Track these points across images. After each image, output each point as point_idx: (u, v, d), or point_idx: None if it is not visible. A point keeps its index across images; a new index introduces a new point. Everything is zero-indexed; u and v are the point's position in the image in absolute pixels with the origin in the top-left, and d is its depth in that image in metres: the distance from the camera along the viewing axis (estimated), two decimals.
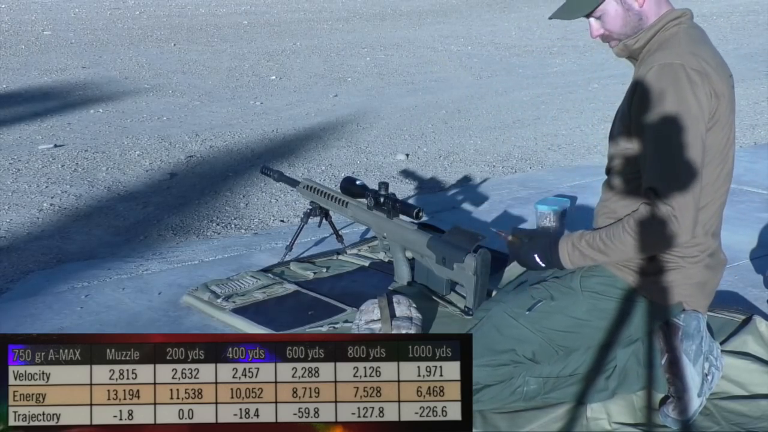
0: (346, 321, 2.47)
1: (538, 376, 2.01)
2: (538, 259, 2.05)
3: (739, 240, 3.14)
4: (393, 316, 2.32)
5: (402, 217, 2.58)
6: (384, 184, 2.62)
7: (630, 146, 1.97)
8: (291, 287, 2.75)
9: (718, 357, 2.04)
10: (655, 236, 1.86)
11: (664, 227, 1.84)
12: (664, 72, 1.85)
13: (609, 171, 2.10)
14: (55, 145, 5.26)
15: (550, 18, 2.08)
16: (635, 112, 1.91)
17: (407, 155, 5.08)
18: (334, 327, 2.45)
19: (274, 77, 7.84)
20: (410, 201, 3.97)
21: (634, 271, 1.99)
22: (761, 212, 3.57)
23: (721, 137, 1.93)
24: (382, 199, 2.59)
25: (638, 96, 1.90)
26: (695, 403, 1.93)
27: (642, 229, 1.88)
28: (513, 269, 2.80)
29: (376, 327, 2.29)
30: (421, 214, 2.49)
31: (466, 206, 3.84)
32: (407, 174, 4.67)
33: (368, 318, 2.33)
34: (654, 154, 1.88)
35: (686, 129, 1.84)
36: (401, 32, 10.87)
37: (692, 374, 1.93)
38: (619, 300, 2.00)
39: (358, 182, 2.71)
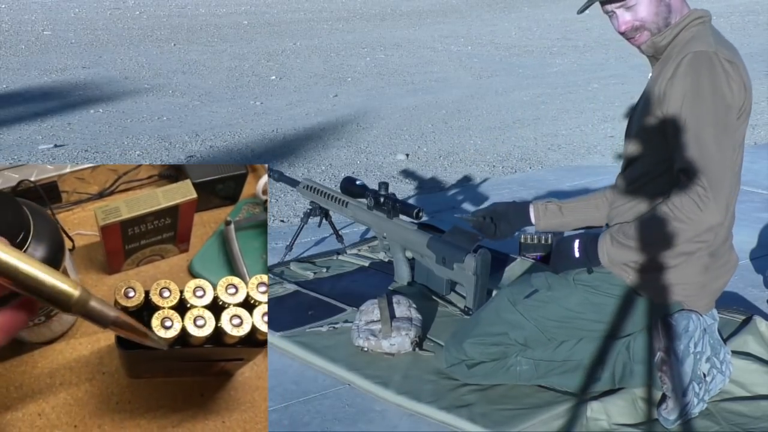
0: (346, 321, 2.46)
1: (530, 358, 2.06)
2: (576, 247, 2.03)
3: (739, 240, 3.11)
4: (393, 316, 2.32)
5: (402, 217, 2.58)
6: (384, 184, 2.62)
7: (652, 143, 1.97)
8: (291, 287, 2.75)
9: (724, 361, 2.04)
10: (687, 216, 1.83)
11: (696, 207, 1.82)
12: (699, 59, 1.87)
13: (624, 170, 2.11)
14: (56, 145, 5.26)
15: (580, 12, 2.05)
16: (667, 100, 1.90)
17: (407, 155, 5.08)
18: (334, 327, 2.45)
19: (274, 77, 7.84)
20: (410, 201, 3.97)
21: (629, 267, 1.99)
22: (761, 212, 3.57)
23: (740, 133, 1.95)
24: (382, 199, 2.59)
25: (671, 84, 1.90)
26: (685, 403, 1.93)
27: (675, 211, 1.85)
28: (513, 269, 2.80)
29: (376, 328, 2.29)
30: (421, 214, 2.49)
31: (466, 206, 3.84)
32: (407, 174, 4.67)
33: (368, 318, 2.33)
34: (687, 138, 1.87)
35: (720, 116, 1.85)
36: (401, 32, 10.87)
37: (680, 374, 1.93)
38: (612, 296, 2.02)
39: (358, 182, 2.71)
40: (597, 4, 2.01)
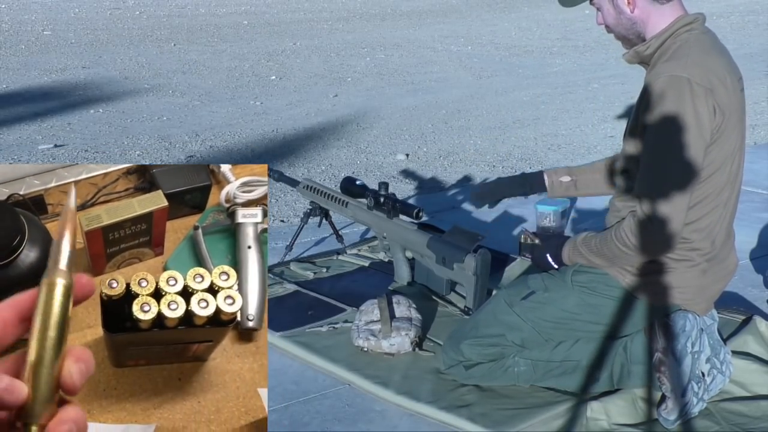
0: (346, 321, 2.47)
1: (528, 359, 2.07)
2: (549, 259, 2.14)
3: (739, 240, 3.10)
4: (393, 316, 2.32)
5: (402, 217, 2.58)
6: (384, 184, 2.62)
7: (635, 148, 1.99)
8: (291, 287, 2.75)
9: (724, 362, 2.04)
10: (634, 245, 1.90)
11: (643, 237, 1.88)
12: (670, 84, 1.85)
13: (622, 170, 2.12)
14: (56, 145, 5.26)
15: (565, 5, 2.12)
16: (641, 119, 1.93)
17: (407, 155, 5.08)
18: (333, 327, 2.45)
19: (274, 77, 7.84)
20: (410, 201, 3.97)
21: (626, 270, 2.00)
22: (761, 212, 3.57)
23: (726, 148, 1.93)
24: (382, 199, 2.59)
25: (644, 104, 1.91)
26: (684, 402, 1.93)
27: (625, 238, 1.92)
28: (513, 269, 2.81)
29: (376, 328, 2.29)
30: (421, 214, 2.49)
31: (466, 206, 3.84)
32: (407, 174, 4.67)
33: (368, 319, 2.33)
34: (645, 163, 1.91)
35: (680, 144, 1.85)
36: (401, 32, 10.86)
37: (678, 374, 1.94)
38: (609, 297, 2.03)
39: (358, 182, 2.71)
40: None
